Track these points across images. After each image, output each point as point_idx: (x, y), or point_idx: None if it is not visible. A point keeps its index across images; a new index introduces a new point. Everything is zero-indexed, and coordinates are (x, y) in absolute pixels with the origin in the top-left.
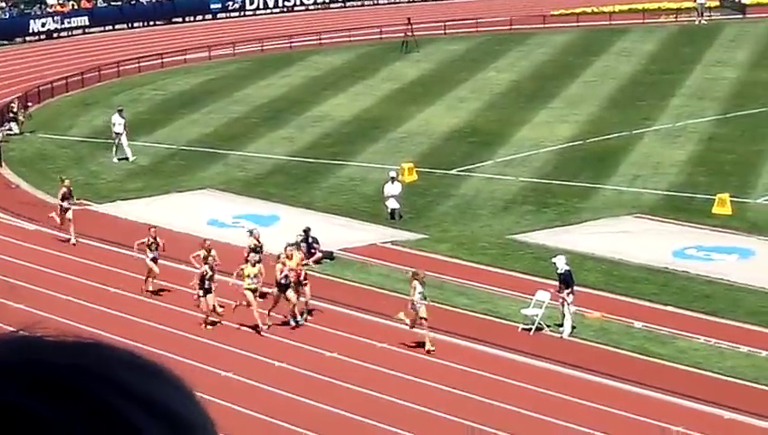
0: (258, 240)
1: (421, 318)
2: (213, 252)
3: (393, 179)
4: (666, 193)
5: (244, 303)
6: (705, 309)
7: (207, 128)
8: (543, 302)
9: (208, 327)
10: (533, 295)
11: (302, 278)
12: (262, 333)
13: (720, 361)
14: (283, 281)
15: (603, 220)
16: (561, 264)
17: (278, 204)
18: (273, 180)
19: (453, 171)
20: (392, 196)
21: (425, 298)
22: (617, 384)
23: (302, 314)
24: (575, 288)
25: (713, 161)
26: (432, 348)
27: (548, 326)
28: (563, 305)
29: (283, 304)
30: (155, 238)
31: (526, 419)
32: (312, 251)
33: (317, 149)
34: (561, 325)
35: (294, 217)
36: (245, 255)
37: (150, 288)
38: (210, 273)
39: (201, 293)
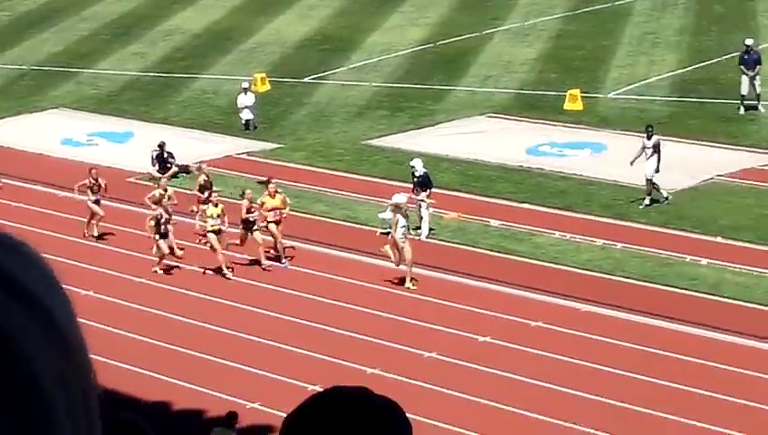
0: (208, 176)
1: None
2: (169, 191)
3: (246, 90)
4: (518, 91)
5: (208, 245)
6: (560, 204)
7: (57, 46)
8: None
9: (159, 271)
10: (390, 199)
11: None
12: (227, 276)
13: (576, 255)
14: (250, 219)
15: (457, 121)
16: (419, 166)
17: (132, 120)
18: (127, 97)
19: (305, 79)
20: (246, 107)
21: (409, 233)
22: (475, 283)
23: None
24: (432, 190)
25: (563, 58)
26: (413, 287)
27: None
28: (420, 208)
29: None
30: (96, 180)
31: (385, 321)
32: (168, 166)
33: (169, 63)
34: (419, 228)
35: (149, 133)
36: (198, 194)
37: (95, 233)
38: (166, 216)
39: (157, 236)
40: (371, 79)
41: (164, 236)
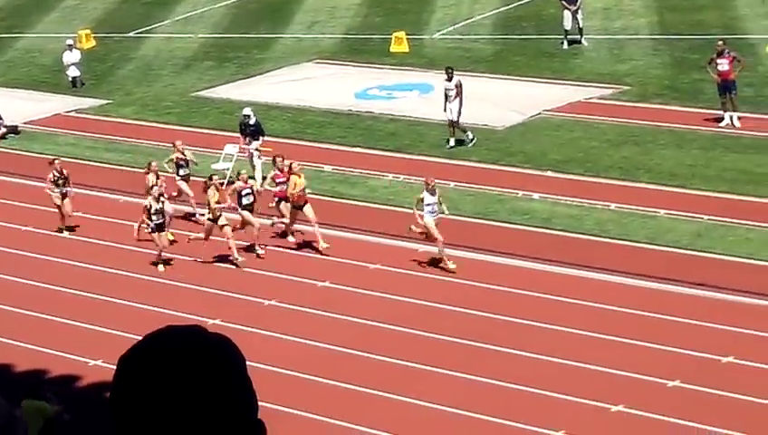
0: (183, 153)
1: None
2: (182, 185)
3: (71, 47)
4: (343, 36)
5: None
6: (391, 147)
7: None
8: (233, 155)
9: (161, 267)
10: (222, 150)
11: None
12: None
13: (410, 196)
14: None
15: (285, 69)
16: (251, 115)
17: None
18: None
19: (131, 34)
20: (72, 64)
21: (440, 210)
22: (311, 229)
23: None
24: (264, 139)
25: (387, 1)
26: (453, 266)
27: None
28: (252, 158)
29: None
30: (61, 172)
31: (225, 272)
32: None
33: None
34: (253, 177)
35: None
36: (175, 178)
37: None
38: (158, 205)
39: (151, 229)
40: (197, 30)
41: (160, 227)
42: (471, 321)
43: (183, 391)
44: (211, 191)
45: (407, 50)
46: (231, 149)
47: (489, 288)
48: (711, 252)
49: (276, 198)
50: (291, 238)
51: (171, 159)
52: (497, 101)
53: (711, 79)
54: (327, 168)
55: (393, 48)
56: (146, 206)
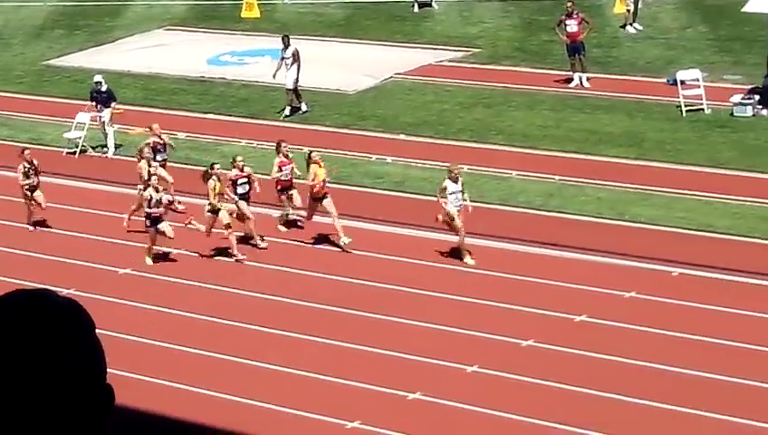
0: (161, 137)
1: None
2: (160, 171)
3: None
4: (194, 3)
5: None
6: (245, 112)
7: None
8: (84, 124)
9: (149, 260)
10: (74, 119)
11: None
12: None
13: (264, 161)
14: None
15: (136, 36)
16: (102, 83)
17: None
18: None
19: None
20: None
21: (463, 198)
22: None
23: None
24: (117, 106)
25: None
26: (471, 262)
27: (93, 148)
28: (104, 125)
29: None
30: (31, 162)
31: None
32: None
33: None
34: (106, 146)
35: None
36: (150, 168)
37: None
38: (158, 196)
39: (149, 223)
40: None
41: (157, 220)
42: (334, 285)
43: (28, 353)
44: (212, 181)
45: (258, 15)
46: (83, 117)
47: (341, 253)
48: (563, 212)
49: (279, 187)
50: (281, 228)
51: (147, 144)
52: (349, 66)
53: (560, 40)
54: (181, 135)
55: (244, 14)
56: (145, 197)
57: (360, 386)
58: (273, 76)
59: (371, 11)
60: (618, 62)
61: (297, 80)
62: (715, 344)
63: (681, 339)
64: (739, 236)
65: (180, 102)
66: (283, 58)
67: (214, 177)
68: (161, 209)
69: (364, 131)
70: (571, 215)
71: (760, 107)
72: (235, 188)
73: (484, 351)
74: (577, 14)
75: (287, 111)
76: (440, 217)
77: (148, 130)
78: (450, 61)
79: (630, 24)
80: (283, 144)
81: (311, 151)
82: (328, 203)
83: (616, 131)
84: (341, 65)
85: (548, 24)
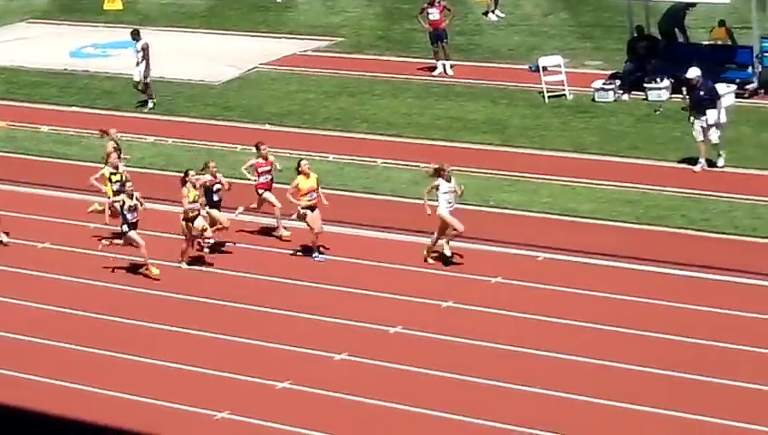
0: (117, 142)
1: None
2: (121, 167)
3: None
4: None
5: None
6: (109, 105)
7: None
8: None
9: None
10: None
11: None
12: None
13: (130, 152)
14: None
15: None
16: None
17: None
18: None
19: None
20: None
21: (455, 199)
22: (27, 190)
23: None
24: None
25: None
26: (450, 253)
27: None
28: None
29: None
30: None
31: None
32: None
33: None
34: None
35: None
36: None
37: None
38: (132, 202)
39: (125, 228)
40: None
41: (133, 226)
42: (205, 280)
43: None
44: (185, 189)
45: (120, 7)
46: None
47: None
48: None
49: (259, 190)
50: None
51: (108, 152)
52: (213, 57)
53: (423, 28)
54: (44, 128)
55: (107, 6)
56: (117, 201)
57: (228, 376)
58: (137, 63)
59: (234, 1)
60: (480, 49)
61: (147, 74)
62: (580, 328)
63: (547, 323)
64: (602, 219)
65: (43, 95)
66: (135, 52)
67: (189, 184)
68: (136, 215)
69: (229, 122)
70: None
71: (621, 92)
72: (211, 196)
73: (352, 338)
74: (439, 2)
75: (150, 104)
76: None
77: (9, 124)
78: (314, 50)
79: (492, 12)
80: (263, 146)
81: (300, 160)
82: (315, 217)
83: (480, 118)
84: (205, 56)
85: (411, 13)
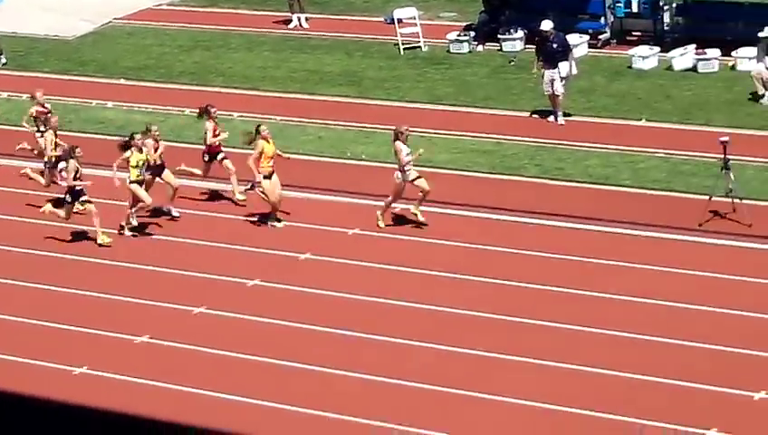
0: (44, 105)
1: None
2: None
3: None
4: None
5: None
6: None
7: None
8: None
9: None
10: None
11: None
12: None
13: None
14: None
15: None
16: None
17: None
18: None
19: None
20: None
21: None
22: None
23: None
24: None
25: None
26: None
27: None
28: None
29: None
30: None
31: None
32: None
33: None
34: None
35: None
36: (36, 135)
37: None
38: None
39: (69, 198)
40: None
41: (78, 195)
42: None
43: None
44: (128, 153)
45: None
46: None
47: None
48: (286, 151)
49: (205, 156)
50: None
51: (30, 114)
52: (66, 11)
53: None
54: None
55: None
56: (66, 168)
57: (86, 332)
58: None
59: None
60: (336, 1)
61: None
62: (436, 277)
63: (404, 273)
64: (458, 170)
65: None
66: None
67: (134, 147)
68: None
69: (84, 77)
70: (294, 154)
71: (475, 43)
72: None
73: (211, 292)
74: None
75: (3, 60)
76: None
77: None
78: (169, 4)
79: None
80: (212, 109)
81: (259, 125)
82: (275, 181)
83: (336, 71)
84: (59, 11)
85: None
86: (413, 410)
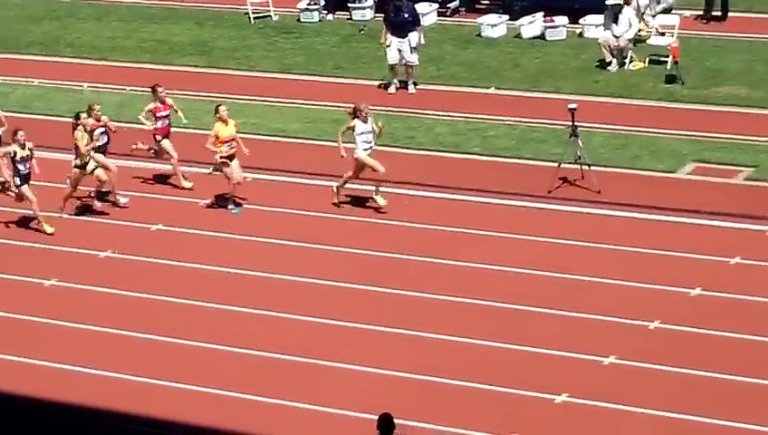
0: None
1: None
2: None
3: None
4: None
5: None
6: None
7: None
8: None
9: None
10: None
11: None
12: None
13: None
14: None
15: None
16: None
17: None
18: None
19: None
20: None
21: (375, 140)
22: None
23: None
24: None
25: None
26: (383, 203)
27: None
28: None
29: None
30: None
31: None
32: None
33: None
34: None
35: None
36: None
37: None
38: (24, 153)
39: (17, 181)
40: None
41: (25, 178)
42: None
43: None
44: (79, 133)
45: None
46: None
47: None
48: (132, 121)
49: (157, 136)
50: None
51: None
52: None
53: None
54: None
55: None
56: (8, 152)
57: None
58: None
59: None
60: None
61: None
62: (285, 246)
63: (254, 243)
64: (309, 139)
65: None
66: None
67: (81, 127)
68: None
69: None
70: (141, 126)
71: (325, 12)
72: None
73: (63, 265)
74: None
75: None
76: (344, 154)
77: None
78: None
79: None
80: (160, 88)
81: (218, 105)
82: (235, 166)
83: (185, 41)
84: None
85: None
86: (274, 381)
